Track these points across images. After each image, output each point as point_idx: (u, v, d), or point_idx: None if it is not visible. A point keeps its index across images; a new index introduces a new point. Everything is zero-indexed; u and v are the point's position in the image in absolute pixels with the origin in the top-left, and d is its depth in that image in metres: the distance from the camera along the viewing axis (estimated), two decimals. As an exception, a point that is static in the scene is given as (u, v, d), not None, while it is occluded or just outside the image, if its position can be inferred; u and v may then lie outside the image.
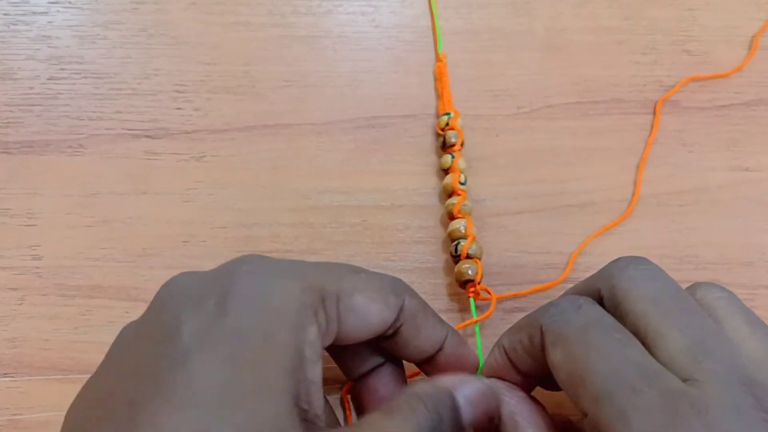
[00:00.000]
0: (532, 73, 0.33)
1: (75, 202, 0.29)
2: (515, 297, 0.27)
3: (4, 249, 0.27)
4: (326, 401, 0.21)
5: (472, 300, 0.26)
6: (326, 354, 0.23)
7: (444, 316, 0.27)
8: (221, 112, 0.31)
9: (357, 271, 0.20)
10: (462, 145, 0.30)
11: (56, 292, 0.27)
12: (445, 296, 0.27)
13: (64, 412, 0.17)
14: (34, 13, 0.33)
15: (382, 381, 0.23)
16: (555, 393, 0.23)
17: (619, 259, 0.21)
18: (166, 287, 0.19)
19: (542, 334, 0.20)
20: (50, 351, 0.26)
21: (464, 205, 0.28)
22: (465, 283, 0.26)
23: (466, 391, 0.20)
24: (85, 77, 0.31)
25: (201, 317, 0.17)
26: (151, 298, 0.19)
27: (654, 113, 0.32)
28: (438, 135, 0.31)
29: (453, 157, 0.29)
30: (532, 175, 0.30)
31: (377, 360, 0.23)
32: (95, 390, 0.17)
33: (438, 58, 0.33)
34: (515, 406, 0.22)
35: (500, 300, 0.27)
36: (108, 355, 0.18)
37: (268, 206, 0.29)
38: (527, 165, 0.31)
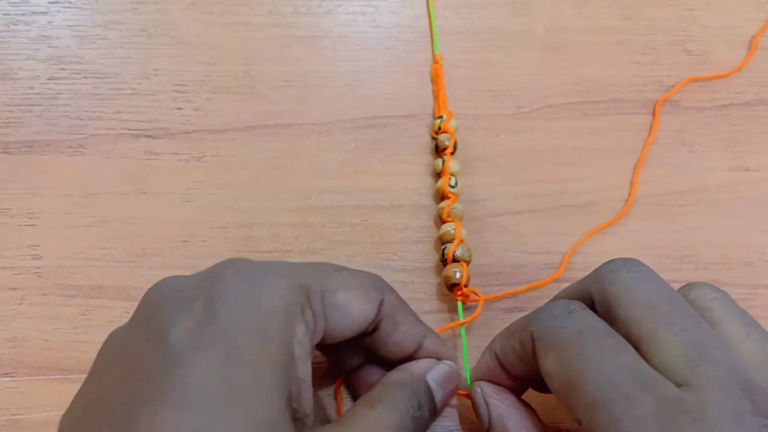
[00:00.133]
0: (532, 73, 0.33)
1: (75, 202, 0.29)
2: (515, 296, 0.27)
3: (4, 249, 0.27)
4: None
5: (459, 303, 0.26)
6: (317, 351, 0.23)
7: (443, 316, 0.27)
8: (221, 112, 0.31)
9: (339, 269, 0.21)
10: (455, 146, 0.30)
11: (56, 292, 0.27)
12: (445, 296, 0.27)
13: (64, 412, 0.17)
14: (34, 13, 0.33)
15: (375, 371, 0.23)
16: (548, 396, 0.22)
17: (611, 261, 0.21)
18: (153, 291, 0.19)
19: (534, 341, 0.20)
20: (50, 351, 0.26)
21: (454, 208, 0.28)
22: (452, 286, 0.26)
23: (435, 374, 0.22)
24: (85, 77, 0.31)
25: (190, 319, 0.17)
26: (150, 298, 0.19)
27: (654, 113, 0.32)
28: (433, 138, 0.31)
29: (443, 160, 0.29)
30: (532, 175, 0.30)
31: (359, 359, 0.23)
32: (90, 395, 0.17)
33: (435, 60, 0.33)
34: (505, 409, 0.22)
35: (498, 299, 0.27)
36: (98, 361, 0.18)
37: (268, 206, 0.29)
38: (527, 165, 0.31)
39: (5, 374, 0.25)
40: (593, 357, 0.18)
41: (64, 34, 0.32)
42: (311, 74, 0.32)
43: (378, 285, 0.21)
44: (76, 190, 0.29)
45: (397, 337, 0.21)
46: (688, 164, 0.31)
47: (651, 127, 0.32)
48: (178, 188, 0.29)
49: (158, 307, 0.18)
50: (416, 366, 0.22)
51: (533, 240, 0.29)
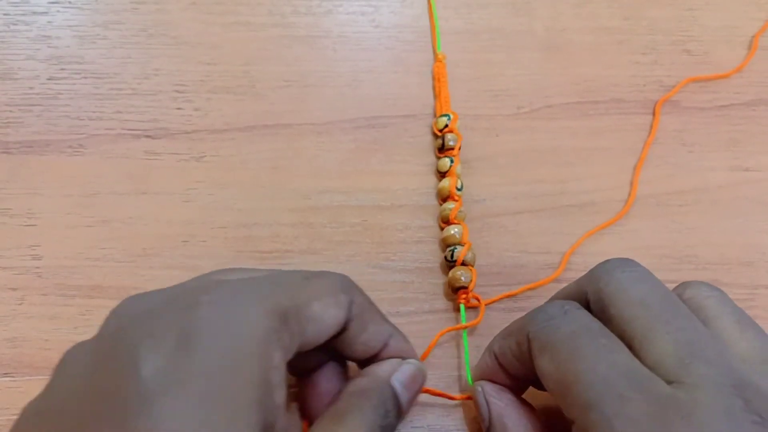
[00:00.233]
0: (532, 73, 0.33)
1: (75, 202, 0.29)
2: (514, 297, 0.27)
3: (4, 249, 0.27)
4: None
5: (462, 306, 0.26)
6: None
7: (442, 316, 0.27)
8: (221, 112, 0.31)
9: (308, 277, 0.20)
10: (459, 149, 0.30)
11: (56, 292, 0.27)
12: (445, 296, 0.27)
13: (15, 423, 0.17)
14: (34, 13, 0.33)
15: (327, 378, 0.22)
16: (547, 394, 0.23)
17: (606, 261, 0.21)
18: (120, 313, 0.18)
19: (529, 341, 0.20)
20: (50, 351, 0.26)
21: (460, 211, 0.28)
22: (458, 289, 0.26)
23: (401, 376, 0.22)
24: (85, 77, 0.31)
25: (162, 355, 0.16)
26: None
27: (654, 113, 0.32)
28: (436, 136, 0.31)
29: (452, 161, 0.29)
30: (532, 175, 0.30)
31: (322, 358, 0.22)
32: (46, 414, 0.16)
33: (437, 58, 0.33)
34: (504, 408, 0.22)
35: (499, 300, 0.27)
36: (56, 380, 0.17)
37: (268, 206, 0.29)
38: (527, 165, 0.31)
39: (5, 374, 0.25)
40: (587, 357, 0.18)
41: (64, 34, 0.32)
42: (311, 74, 0.32)
43: (346, 287, 0.21)
44: (76, 190, 0.29)
45: (365, 336, 0.21)
46: (688, 164, 0.31)
47: (651, 127, 0.32)
48: (178, 188, 0.29)
49: (127, 333, 0.17)
50: (381, 369, 0.22)
51: (533, 240, 0.29)
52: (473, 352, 0.26)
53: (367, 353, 0.22)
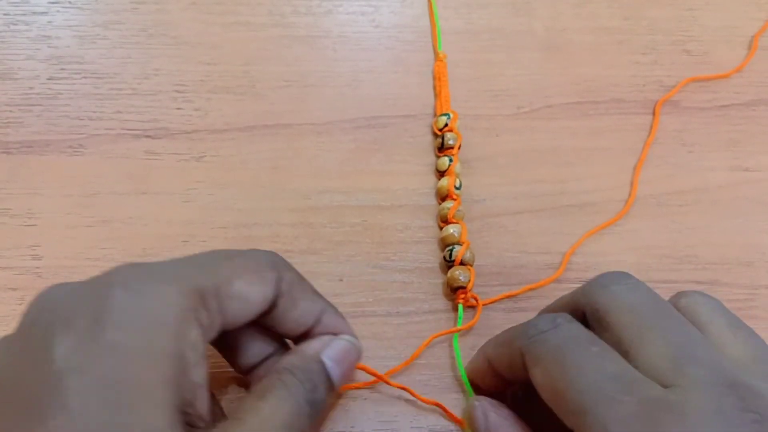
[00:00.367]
0: (532, 73, 0.33)
1: (75, 202, 0.29)
2: (514, 297, 0.27)
3: (4, 249, 0.27)
4: (212, 395, 0.21)
5: (460, 306, 0.26)
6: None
7: (442, 316, 0.27)
8: (221, 112, 0.31)
9: (231, 256, 0.20)
10: (459, 148, 0.30)
11: (56, 292, 0.27)
12: (445, 296, 0.27)
13: None
14: (34, 13, 0.33)
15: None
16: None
17: (601, 275, 0.21)
18: (37, 302, 0.18)
19: (522, 354, 0.20)
20: (50, 351, 0.26)
21: (458, 210, 0.28)
22: (456, 288, 0.26)
23: (331, 352, 0.21)
24: (85, 77, 0.31)
25: (74, 336, 0.16)
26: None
27: (654, 113, 0.32)
28: (435, 135, 0.31)
29: (451, 160, 0.29)
30: (532, 175, 0.30)
31: (265, 350, 0.22)
32: None
33: (437, 58, 0.33)
34: (500, 426, 0.22)
35: (499, 300, 0.27)
36: None
37: (268, 206, 0.29)
38: (527, 165, 0.31)
39: (5, 374, 0.25)
40: (578, 365, 0.18)
41: (64, 34, 0.32)
42: (311, 74, 0.32)
43: (274, 263, 0.21)
44: (76, 190, 0.29)
45: (296, 313, 0.21)
46: (688, 164, 0.31)
47: (651, 127, 0.32)
48: (178, 188, 0.29)
49: (41, 319, 0.17)
50: (309, 347, 0.22)
51: (533, 240, 0.29)
52: (470, 353, 0.26)
53: (299, 330, 0.22)
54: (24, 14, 0.33)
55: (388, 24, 0.34)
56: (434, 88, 0.32)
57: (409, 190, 0.30)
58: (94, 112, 0.31)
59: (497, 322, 0.27)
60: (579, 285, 0.24)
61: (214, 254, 0.20)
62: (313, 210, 0.29)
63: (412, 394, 0.25)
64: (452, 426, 0.25)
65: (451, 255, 0.27)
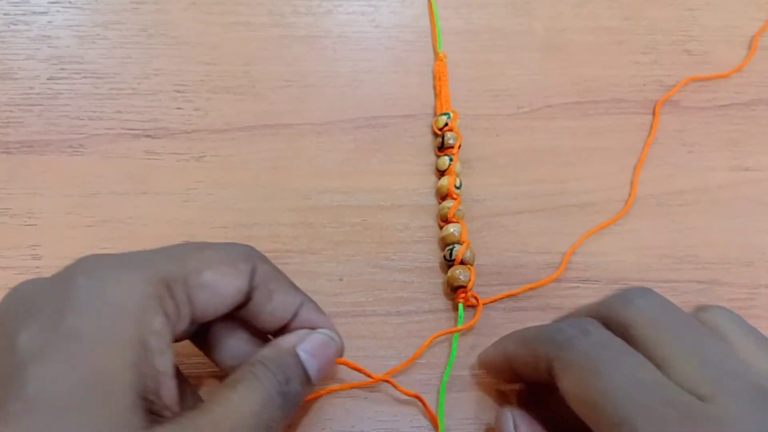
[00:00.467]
0: (532, 73, 0.33)
1: (75, 202, 0.29)
2: (514, 297, 0.27)
3: (4, 249, 0.27)
4: (188, 385, 0.21)
5: (461, 306, 0.26)
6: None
7: (442, 316, 0.27)
8: (221, 112, 0.31)
9: (202, 247, 0.20)
10: (459, 147, 0.30)
11: (56, 292, 0.27)
12: (445, 295, 0.27)
13: None
14: (34, 13, 0.33)
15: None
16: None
17: (625, 290, 0.21)
18: (7, 297, 0.18)
19: (550, 360, 0.20)
20: (50, 351, 0.26)
21: (458, 209, 0.28)
22: (456, 288, 0.26)
23: (307, 346, 0.21)
24: (85, 77, 0.31)
25: (36, 326, 0.16)
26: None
27: (654, 113, 0.32)
28: (435, 135, 0.31)
29: (451, 159, 0.29)
30: (532, 175, 0.30)
31: (246, 347, 0.22)
32: None
33: (438, 58, 0.33)
34: None
35: (499, 300, 0.27)
36: None
37: (268, 206, 0.29)
38: (527, 165, 0.31)
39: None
40: (612, 374, 0.18)
41: (64, 34, 0.32)
42: (311, 74, 0.32)
43: (248, 255, 0.21)
44: (76, 190, 0.29)
45: (272, 306, 0.21)
46: (688, 164, 0.31)
47: (651, 127, 0.32)
48: (178, 188, 0.29)
49: (9, 313, 0.17)
50: (284, 340, 0.22)
51: (533, 240, 0.29)
52: (469, 352, 0.26)
53: (276, 323, 0.22)
54: (24, 14, 0.33)
55: (388, 24, 0.34)
56: (434, 88, 0.32)
57: (409, 189, 0.30)
58: (94, 112, 0.31)
59: (497, 321, 0.27)
60: (579, 285, 0.24)
61: (186, 245, 0.20)
62: (313, 210, 0.29)
63: (393, 385, 0.24)
64: (453, 425, 0.25)
65: (451, 254, 0.27)
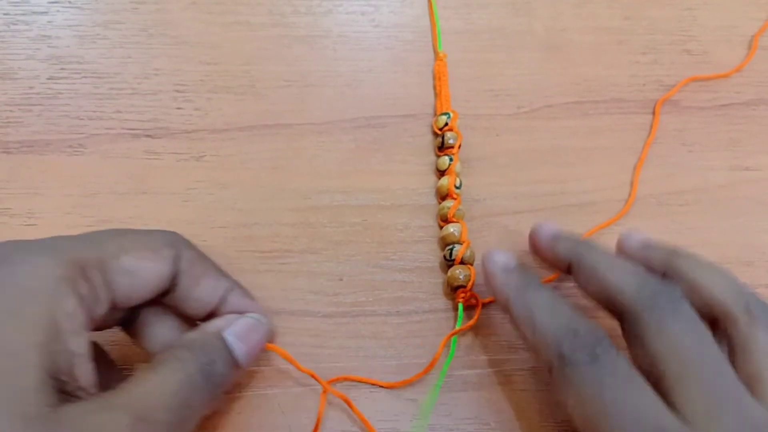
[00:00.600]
0: (532, 73, 0.33)
1: (75, 202, 0.29)
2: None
3: (4, 249, 0.27)
4: (116, 370, 0.21)
5: (461, 305, 0.26)
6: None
7: (442, 315, 0.27)
8: (221, 112, 0.31)
9: (122, 233, 0.20)
10: (459, 147, 0.30)
11: (56, 292, 0.27)
12: (445, 295, 0.27)
13: None
14: (34, 13, 0.33)
15: None
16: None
17: (658, 289, 0.21)
18: None
19: (553, 369, 0.20)
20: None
21: (458, 209, 0.28)
22: (456, 288, 0.26)
23: (234, 329, 0.21)
24: (85, 77, 0.31)
25: None
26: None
27: (654, 113, 0.32)
28: (435, 134, 0.31)
29: (451, 159, 0.29)
30: (532, 175, 0.30)
31: (175, 335, 0.22)
32: None
33: (437, 57, 0.33)
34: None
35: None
36: None
37: (268, 206, 0.29)
38: (527, 165, 0.31)
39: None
40: (617, 408, 0.19)
41: (64, 34, 0.32)
42: (311, 74, 0.32)
43: (172, 242, 0.21)
44: (76, 190, 0.29)
45: (198, 291, 0.21)
46: (688, 164, 0.31)
47: (651, 126, 0.32)
48: (178, 188, 0.29)
49: None
50: (211, 324, 0.22)
51: (533, 240, 0.29)
52: (468, 352, 0.26)
53: (203, 309, 0.22)
54: (24, 14, 0.33)
55: (388, 24, 0.34)
56: (434, 87, 0.32)
57: (409, 189, 0.30)
58: (94, 111, 0.31)
59: (497, 321, 0.27)
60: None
61: (107, 231, 0.21)
62: (313, 210, 0.29)
63: (290, 361, 0.24)
64: (453, 425, 0.25)
65: (451, 254, 0.27)
